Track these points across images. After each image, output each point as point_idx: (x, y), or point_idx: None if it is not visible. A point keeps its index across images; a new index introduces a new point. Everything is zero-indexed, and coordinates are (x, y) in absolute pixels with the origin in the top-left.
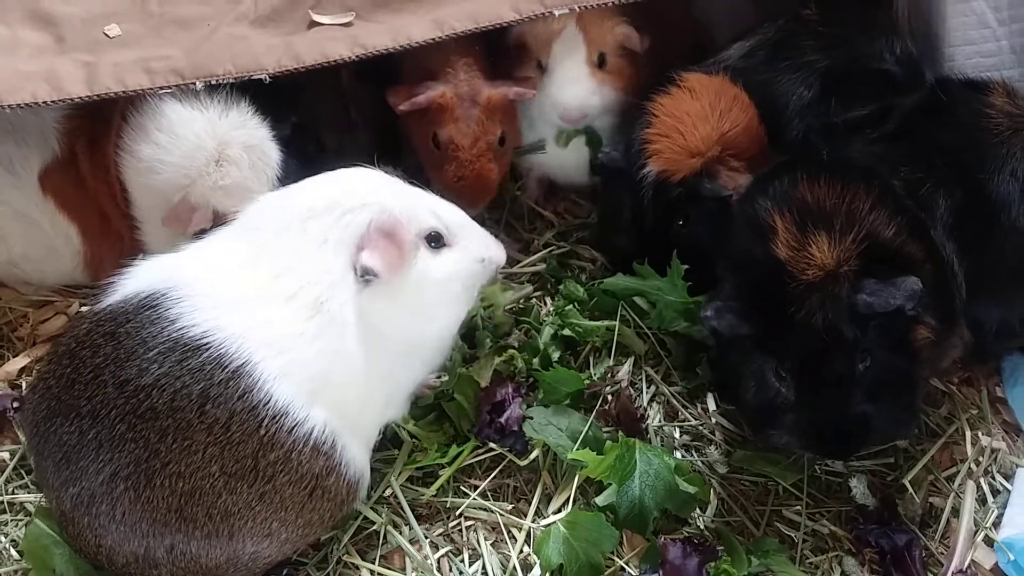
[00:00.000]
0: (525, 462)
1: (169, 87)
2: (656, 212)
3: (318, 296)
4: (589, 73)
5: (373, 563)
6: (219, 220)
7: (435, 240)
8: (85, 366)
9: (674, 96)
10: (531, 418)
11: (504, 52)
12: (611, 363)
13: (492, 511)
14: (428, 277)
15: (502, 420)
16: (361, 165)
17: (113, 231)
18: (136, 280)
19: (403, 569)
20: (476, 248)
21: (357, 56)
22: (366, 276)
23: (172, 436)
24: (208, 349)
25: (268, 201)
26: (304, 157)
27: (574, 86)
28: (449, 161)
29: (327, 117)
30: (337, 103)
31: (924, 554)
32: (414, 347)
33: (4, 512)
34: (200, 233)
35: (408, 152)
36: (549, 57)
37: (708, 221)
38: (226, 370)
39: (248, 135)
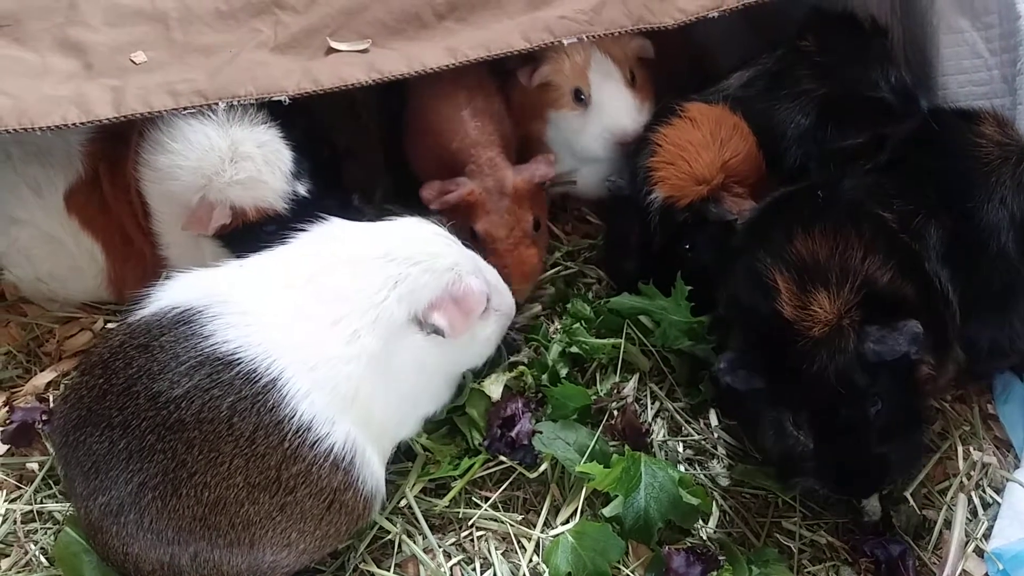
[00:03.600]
0: (534, 475)
1: (193, 108)
2: (663, 236)
3: (360, 327)
4: (632, 94)
5: (388, 571)
6: (238, 217)
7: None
8: (118, 377)
9: (676, 126)
10: (540, 432)
11: (524, 93)
12: (617, 379)
13: (503, 522)
14: (477, 336)
15: (512, 434)
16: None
17: (135, 250)
18: (172, 294)
19: None
20: (505, 309)
21: (373, 80)
22: (434, 333)
23: (199, 447)
24: (239, 364)
25: (338, 230)
26: (317, 159)
27: (626, 110)
28: (489, 253)
29: (336, 119)
30: (347, 107)
31: (917, 564)
32: (443, 378)
33: (33, 520)
34: (229, 236)
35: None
36: (589, 87)
37: (713, 245)
38: (255, 385)
39: (259, 134)
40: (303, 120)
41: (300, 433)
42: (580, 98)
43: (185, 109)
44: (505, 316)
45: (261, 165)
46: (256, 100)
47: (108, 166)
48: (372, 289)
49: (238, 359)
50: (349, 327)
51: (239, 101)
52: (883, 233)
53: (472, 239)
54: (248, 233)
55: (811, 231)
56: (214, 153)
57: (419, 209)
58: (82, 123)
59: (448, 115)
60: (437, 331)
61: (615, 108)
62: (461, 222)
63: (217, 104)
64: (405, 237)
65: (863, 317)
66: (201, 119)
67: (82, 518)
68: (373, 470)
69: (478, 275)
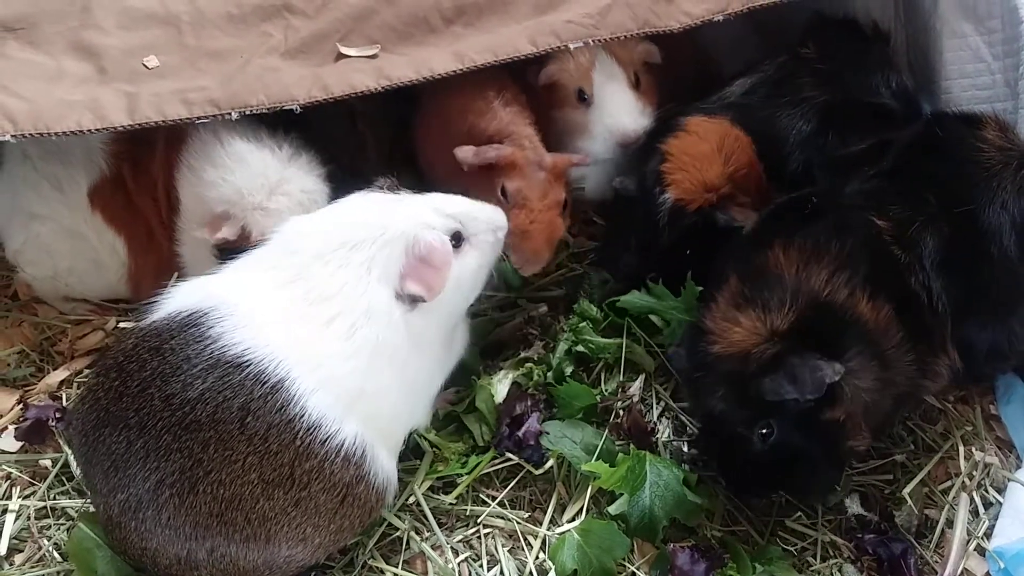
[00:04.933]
0: (540, 472)
1: (206, 117)
2: (671, 236)
3: (355, 321)
4: (634, 96)
5: (397, 567)
6: (244, 238)
7: (456, 239)
8: (132, 379)
9: (682, 139)
10: (547, 432)
11: (536, 92)
12: (622, 379)
13: (509, 519)
14: (460, 278)
15: (520, 433)
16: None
17: (155, 244)
18: (179, 299)
19: (425, 573)
20: (486, 228)
21: (383, 87)
22: (415, 302)
23: (214, 446)
24: (248, 366)
25: (304, 226)
26: None
27: (627, 111)
28: (519, 208)
29: (337, 134)
30: (345, 119)
31: (920, 562)
32: (443, 337)
33: (47, 517)
34: (226, 248)
35: (422, 167)
36: (592, 87)
37: (714, 251)
38: (265, 385)
39: (309, 183)
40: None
41: (311, 431)
42: (583, 98)
43: (199, 119)
44: (487, 236)
45: (294, 205)
46: (268, 109)
47: (132, 167)
48: (352, 281)
49: (247, 361)
50: (345, 323)
51: (251, 110)
52: (864, 244)
53: (503, 196)
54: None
55: (790, 242)
56: (260, 180)
57: None
58: (97, 129)
59: (480, 107)
60: (416, 299)
61: (617, 108)
62: (492, 180)
63: (230, 114)
64: (353, 221)
65: (786, 346)
66: (263, 149)
67: (101, 515)
68: (383, 463)
69: (436, 219)
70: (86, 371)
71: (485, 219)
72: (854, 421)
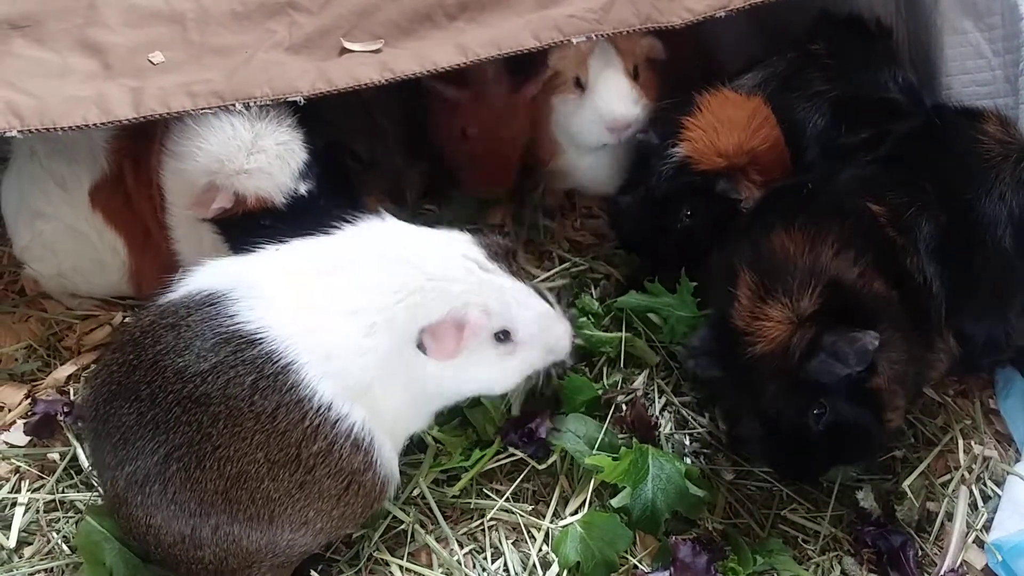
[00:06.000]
0: (543, 466)
1: (210, 108)
2: (669, 190)
3: (376, 323)
4: (630, 85)
5: (402, 560)
6: (239, 204)
7: (503, 335)
8: (146, 353)
9: (720, 98)
10: (555, 429)
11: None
12: (624, 372)
13: (513, 512)
14: (482, 364)
15: (531, 426)
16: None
17: (154, 244)
18: (200, 279)
19: (430, 565)
20: (541, 346)
21: (386, 80)
22: (419, 349)
23: (223, 421)
24: (261, 343)
25: (372, 230)
26: (331, 169)
27: (619, 97)
28: None
29: (355, 127)
30: (362, 111)
31: (919, 555)
32: (446, 388)
33: (56, 510)
34: (225, 223)
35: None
36: (587, 73)
37: (711, 218)
38: (276, 364)
39: (281, 134)
40: (331, 133)
41: (320, 413)
42: (580, 84)
43: (203, 110)
44: (534, 353)
45: (273, 159)
46: (272, 100)
47: (132, 162)
48: (391, 289)
49: (260, 339)
50: (367, 320)
51: (255, 101)
52: (864, 226)
53: None
54: (245, 223)
55: (792, 225)
56: (235, 142)
57: (454, 203)
58: (102, 123)
59: None
60: (421, 347)
61: (609, 94)
62: None
63: (235, 105)
64: (434, 251)
65: (819, 327)
66: (231, 113)
67: (108, 491)
68: (387, 456)
69: (497, 308)
70: (93, 366)
71: (546, 336)
72: (891, 389)
